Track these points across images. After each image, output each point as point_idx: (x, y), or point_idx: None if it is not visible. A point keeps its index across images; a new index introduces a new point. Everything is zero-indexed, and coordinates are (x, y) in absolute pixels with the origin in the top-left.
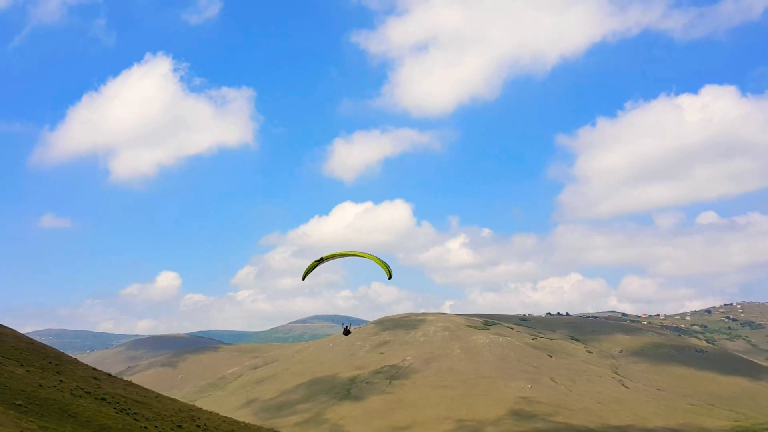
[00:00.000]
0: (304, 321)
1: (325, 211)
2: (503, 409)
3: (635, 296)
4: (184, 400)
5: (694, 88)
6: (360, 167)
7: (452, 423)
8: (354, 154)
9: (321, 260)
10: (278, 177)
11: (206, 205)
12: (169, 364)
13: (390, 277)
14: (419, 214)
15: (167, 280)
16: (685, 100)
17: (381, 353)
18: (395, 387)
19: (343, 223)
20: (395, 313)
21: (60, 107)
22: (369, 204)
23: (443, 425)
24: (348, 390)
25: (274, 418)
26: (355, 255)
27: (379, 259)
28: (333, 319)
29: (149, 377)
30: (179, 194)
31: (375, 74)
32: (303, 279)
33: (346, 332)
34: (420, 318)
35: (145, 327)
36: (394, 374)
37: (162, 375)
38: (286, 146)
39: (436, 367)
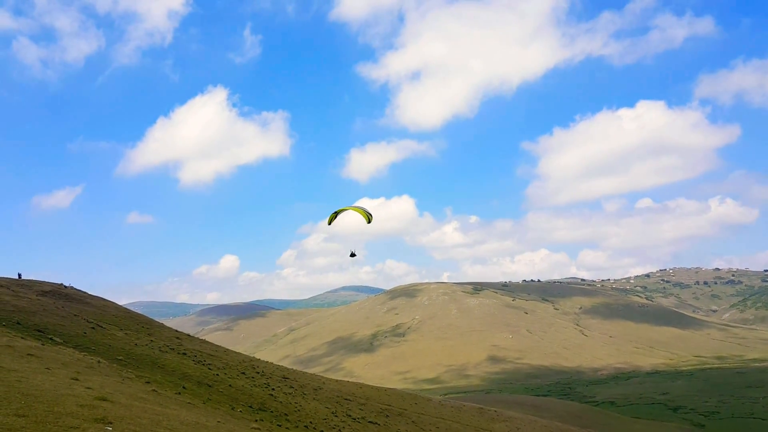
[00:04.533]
0: (335, 291)
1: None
2: (485, 355)
3: (590, 265)
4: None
5: (630, 103)
6: (372, 171)
7: (443, 368)
8: (367, 160)
9: (335, 212)
10: (309, 180)
11: (255, 203)
12: (232, 326)
13: (369, 221)
14: (421, 206)
15: (228, 261)
16: (624, 112)
17: (396, 314)
18: (407, 340)
19: (364, 221)
20: (405, 283)
21: (139, 129)
22: (382, 199)
23: (436, 370)
24: (371, 342)
25: (315, 366)
26: (352, 209)
27: (360, 208)
28: (358, 289)
29: (218, 336)
30: (233, 196)
31: (380, 98)
32: (329, 224)
33: (352, 255)
34: (424, 286)
35: (213, 298)
36: (405, 330)
37: (228, 335)
38: (315, 156)
39: (437, 324)
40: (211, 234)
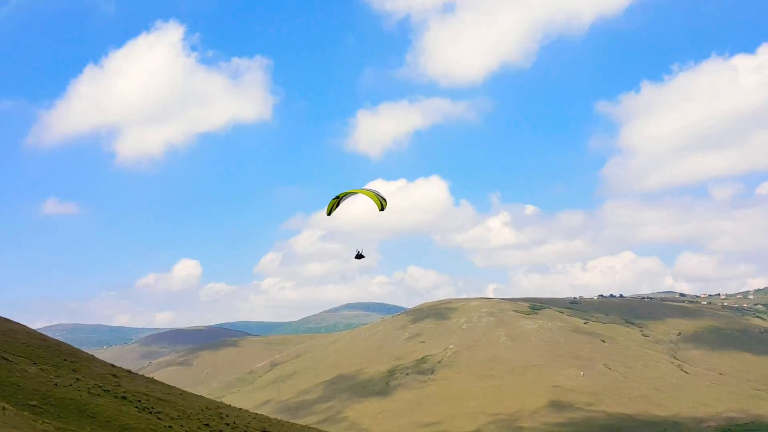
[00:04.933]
0: (336, 310)
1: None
2: (545, 399)
3: (693, 275)
4: (211, 397)
5: (749, 47)
6: (387, 141)
7: (486, 418)
8: (380, 127)
9: (338, 198)
10: (299, 154)
11: (223, 187)
12: (192, 358)
13: (382, 208)
14: (457, 191)
15: (186, 268)
16: (740, 60)
17: (421, 342)
18: (436, 379)
19: (376, 207)
20: (433, 299)
21: (58, 83)
22: (402, 181)
23: (476, 420)
24: (387, 382)
25: (307, 415)
26: (359, 192)
27: (371, 191)
28: (368, 307)
29: (172, 373)
30: (193, 176)
31: (398, 40)
32: (328, 214)
33: (359, 256)
34: (461, 304)
35: (164, 320)
36: (434, 365)
37: (185, 371)
38: (307, 121)
39: (479, 356)
40: (162, 230)
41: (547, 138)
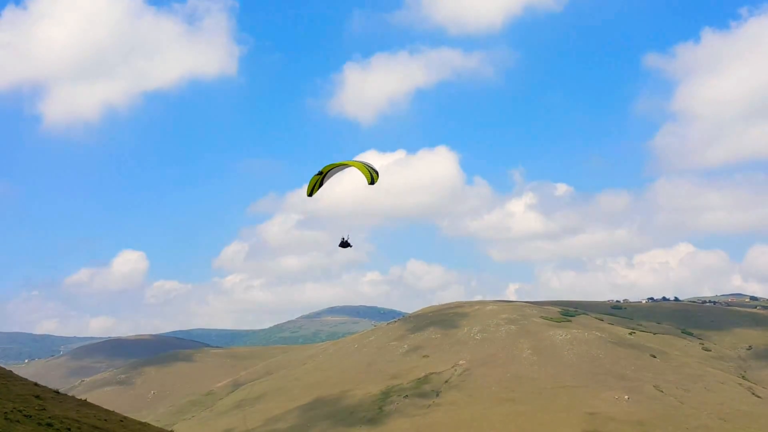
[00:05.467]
0: (317, 315)
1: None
2: (580, 430)
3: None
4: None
5: None
6: (382, 103)
7: None
8: (373, 84)
9: (321, 174)
10: (272, 119)
11: (175, 160)
12: (136, 376)
13: (372, 182)
14: (469, 166)
15: (128, 262)
16: None
17: (424, 357)
18: (442, 403)
19: (365, 180)
20: (442, 302)
21: None
22: (401, 154)
23: None
24: (380, 407)
25: None
26: (346, 165)
27: (360, 162)
28: (357, 311)
29: (109, 394)
30: (138, 146)
31: None
32: (309, 195)
33: (344, 245)
34: (474, 308)
35: (101, 327)
36: (441, 385)
37: (127, 391)
38: (281, 77)
39: (497, 374)
40: (99, 214)
41: (582, 100)
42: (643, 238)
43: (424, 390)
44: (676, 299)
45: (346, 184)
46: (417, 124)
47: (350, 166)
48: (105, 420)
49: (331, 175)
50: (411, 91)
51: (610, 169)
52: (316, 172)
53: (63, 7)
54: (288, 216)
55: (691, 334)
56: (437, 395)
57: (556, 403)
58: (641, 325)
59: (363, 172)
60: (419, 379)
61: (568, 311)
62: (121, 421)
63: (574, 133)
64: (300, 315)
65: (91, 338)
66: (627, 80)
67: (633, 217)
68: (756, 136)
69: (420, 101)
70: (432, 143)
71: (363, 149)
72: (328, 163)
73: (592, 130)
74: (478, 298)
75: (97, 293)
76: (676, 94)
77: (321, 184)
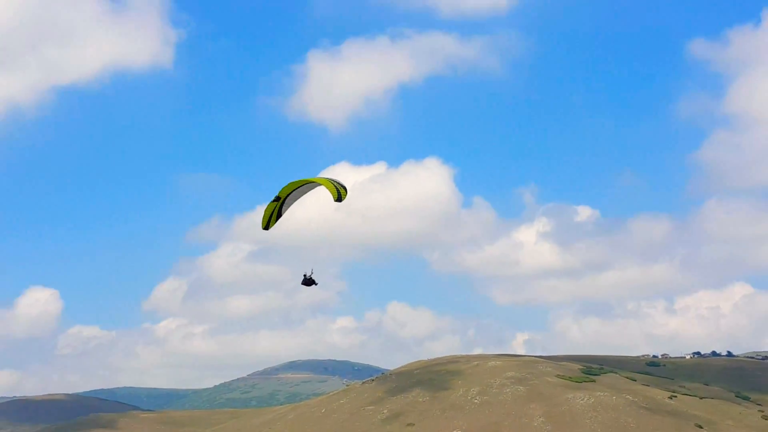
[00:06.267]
0: (274, 371)
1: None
2: None
3: None
4: None
5: None
6: (355, 102)
7: None
8: (344, 78)
9: (278, 199)
10: (216, 123)
11: (95, 173)
12: None
13: (339, 198)
14: (467, 184)
15: (37, 303)
16: None
17: (407, 425)
18: None
19: (332, 198)
20: (431, 357)
21: None
22: (380, 167)
23: None
24: None
25: None
26: (310, 183)
27: (324, 179)
28: (325, 367)
29: None
30: (49, 155)
31: None
32: (265, 228)
33: (308, 282)
34: (473, 364)
35: (2, 384)
36: None
37: None
38: (228, 69)
39: None
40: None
41: (610, 100)
42: (687, 277)
43: None
44: (730, 354)
45: (310, 205)
46: (400, 130)
47: (313, 183)
48: None
49: (293, 200)
50: (393, 88)
51: (646, 189)
52: (273, 198)
53: None
54: (237, 246)
55: (747, 399)
56: None
57: None
58: (684, 386)
59: (328, 188)
60: None
61: (592, 369)
62: None
63: (600, 143)
64: (253, 371)
65: None
66: (667, 75)
67: (674, 249)
68: None
69: (404, 100)
70: (420, 154)
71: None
72: (286, 184)
73: (622, 140)
74: (478, 351)
75: None
76: (729, 93)
77: (280, 214)
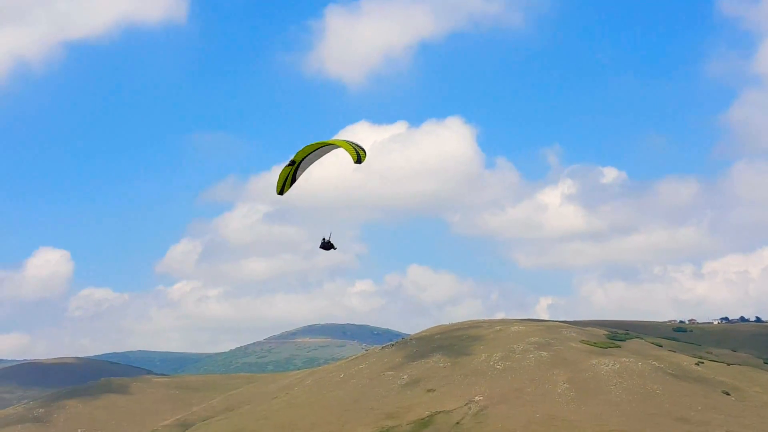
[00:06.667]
0: (291, 335)
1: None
2: None
3: None
4: None
5: None
6: (375, 60)
7: None
8: (363, 34)
9: (294, 163)
10: (231, 81)
11: (107, 131)
12: (56, 410)
13: (359, 160)
14: (490, 144)
15: (47, 264)
16: None
17: (428, 391)
18: None
19: (351, 160)
20: (452, 321)
21: None
22: (401, 126)
23: None
24: None
25: None
26: (328, 144)
27: (343, 141)
28: (343, 331)
29: None
30: (59, 112)
31: None
32: (279, 193)
33: (326, 246)
34: (495, 329)
35: (12, 346)
36: (450, 428)
37: (46, 429)
38: (243, 25)
39: (523, 415)
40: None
41: (637, 58)
42: (715, 240)
43: None
44: (758, 320)
45: (328, 165)
46: (422, 89)
47: (330, 146)
48: None
49: (308, 164)
50: (413, 45)
51: (673, 150)
52: (287, 162)
53: None
54: (252, 206)
55: None
56: None
57: None
58: (711, 353)
59: (347, 150)
60: (422, 419)
61: (617, 334)
62: None
63: (627, 103)
64: (269, 335)
65: (0, 361)
66: (695, 33)
67: (702, 212)
68: None
69: (425, 58)
70: (441, 113)
71: (351, 120)
72: (301, 148)
73: (649, 100)
74: (500, 315)
75: (6, 303)
76: (759, 52)
77: (294, 179)
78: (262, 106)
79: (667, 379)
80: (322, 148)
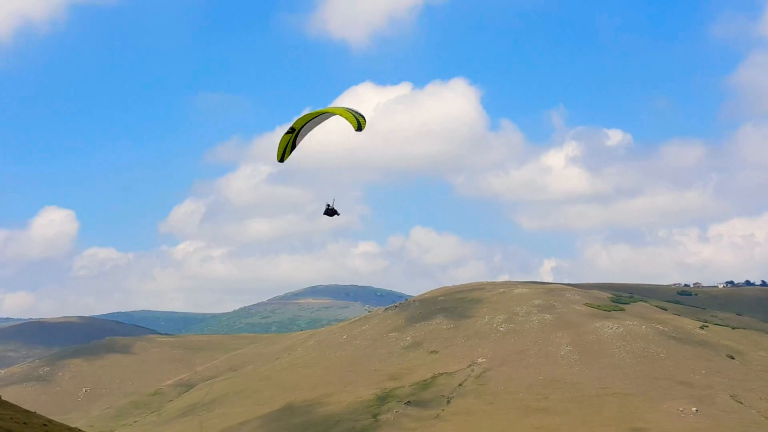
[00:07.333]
0: (294, 296)
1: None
2: None
3: None
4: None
5: None
6: (379, 20)
7: None
8: None
9: (293, 131)
10: (234, 41)
11: (111, 90)
12: (60, 369)
13: (359, 128)
14: (494, 105)
15: (52, 223)
16: None
17: (431, 353)
18: (454, 413)
19: (348, 122)
20: (455, 283)
21: None
22: (404, 88)
23: None
24: (374, 417)
25: None
26: (324, 113)
27: (343, 108)
28: (346, 292)
29: (28, 392)
30: (62, 70)
31: None
32: (280, 160)
33: (330, 212)
34: (498, 291)
35: (16, 305)
36: (453, 390)
37: (49, 389)
38: None
39: (526, 377)
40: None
41: (642, 19)
42: (720, 203)
43: (431, 395)
44: (764, 284)
45: (331, 127)
46: (426, 50)
47: (329, 114)
48: (25, 423)
49: (307, 131)
50: (419, 5)
51: (679, 112)
52: (287, 130)
53: None
54: (256, 167)
55: None
56: (448, 402)
57: (601, 415)
58: (716, 316)
59: (347, 118)
60: (424, 381)
61: (621, 297)
62: (45, 425)
63: (632, 65)
64: (272, 296)
65: (5, 319)
66: None
67: (708, 175)
68: None
69: (429, 18)
70: (445, 75)
71: (354, 81)
72: (300, 116)
73: (654, 61)
74: (503, 278)
75: (11, 262)
76: (766, 14)
77: (294, 145)
78: (266, 67)
79: (671, 343)
80: (321, 116)
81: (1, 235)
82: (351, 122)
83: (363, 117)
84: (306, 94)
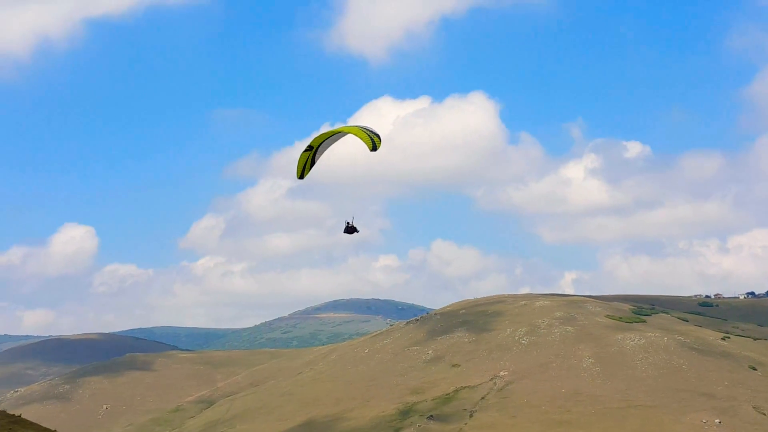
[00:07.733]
0: (315, 311)
1: (340, 115)
2: None
3: None
4: None
5: None
6: (397, 35)
7: None
8: (385, 10)
9: (311, 149)
10: (252, 58)
11: (130, 108)
12: (80, 387)
13: (374, 148)
14: (513, 119)
15: (72, 240)
16: None
17: (453, 366)
18: (476, 426)
19: (363, 142)
20: (477, 296)
21: None
22: (424, 102)
23: None
24: (397, 430)
25: None
26: (342, 132)
27: (358, 128)
28: (367, 306)
29: (47, 411)
30: (81, 90)
31: None
32: (300, 177)
33: (350, 230)
34: (520, 304)
35: (36, 323)
36: (475, 403)
37: (69, 407)
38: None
39: (548, 390)
40: (34, 177)
41: (660, 31)
42: (740, 214)
43: (453, 409)
44: None
45: (350, 142)
46: (444, 64)
47: (345, 133)
48: None
49: (325, 148)
50: (436, 20)
51: (697, 124)
52: (305, 148)
53: None
54: (276, 182)
55: None
56: (470, 416)
57: (624, 428)
58: (738, 327)
59: (362, 138)
60: (447, 395)
61: (642, 309)
62: None
63: (650, 77)
64: (293, 311)
65: (25, 337)
66: (718, 6)
67: (727, 186)
68: None
69: (448, 33)
70: (464, 88)
71: (373, 95)
72: (317, 135)
73: (672, 73)
74: (525, 290)
75: (31, 279)
76: None
77: (313, 162)
78: (286, 83)
79: (693, 354)
80: (337, 135)
81: (21, 252)
82: (366, 142)
83: (378, 136)
84: (325, 108)
